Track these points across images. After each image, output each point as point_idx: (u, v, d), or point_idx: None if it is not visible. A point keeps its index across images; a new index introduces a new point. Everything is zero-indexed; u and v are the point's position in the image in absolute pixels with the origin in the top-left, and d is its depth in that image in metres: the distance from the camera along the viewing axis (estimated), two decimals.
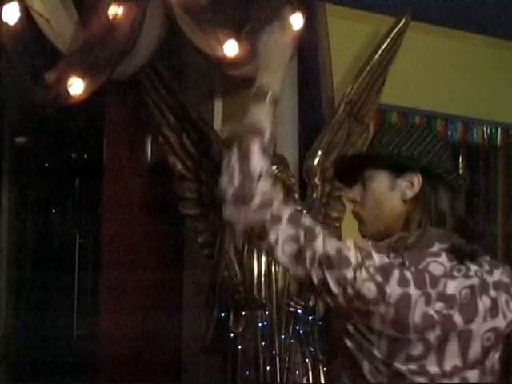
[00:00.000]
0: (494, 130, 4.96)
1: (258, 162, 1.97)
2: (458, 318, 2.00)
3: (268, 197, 1.97)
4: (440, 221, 2.11)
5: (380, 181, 2.13)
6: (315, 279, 1.98)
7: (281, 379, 3.58)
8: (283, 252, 2.00)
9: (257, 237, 2.01)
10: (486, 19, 4.62)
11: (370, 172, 2.13)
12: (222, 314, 3.64)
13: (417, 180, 2.11)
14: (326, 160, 3.96)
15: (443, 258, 2.03)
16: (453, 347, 1.99)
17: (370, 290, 1.94)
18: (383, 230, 2.11)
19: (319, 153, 3.95)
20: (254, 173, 1.95)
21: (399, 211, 2.12)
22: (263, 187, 1.96)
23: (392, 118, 4.59)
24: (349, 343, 2.00)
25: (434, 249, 2.03)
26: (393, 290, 1.95)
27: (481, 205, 4.95)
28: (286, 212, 1.99)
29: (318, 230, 2.02)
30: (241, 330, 3.60)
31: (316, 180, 3.94)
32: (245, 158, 1.96)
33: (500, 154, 4.99)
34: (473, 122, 4.87)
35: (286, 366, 3.59)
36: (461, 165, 4.91)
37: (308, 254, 1.98)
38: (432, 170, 2.10)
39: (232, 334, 3.60)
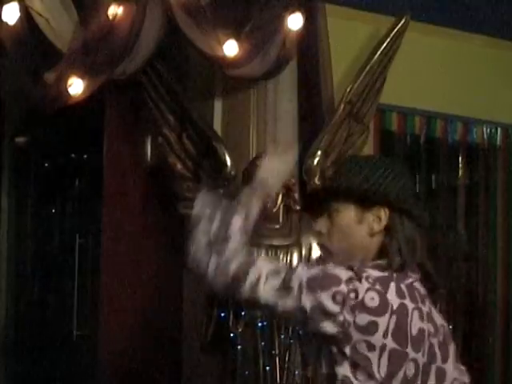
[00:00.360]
0: (493, 130, 4.96)
1: (236, 231, 2.05)
2: (438, 352, 2.06)
3: (239, 252, 2.03)
4: (409, 252, 2.10)
5: (347, 214, 2.12)
6: (308, 306, 1.97)
7: (281, 379, 3.58)
8: (267, 288, 1.99)
9: (235, 285, 2.02)
10: (486, 19, 4.63)
11: (337, 205, 2.12)
12: (222, 314, 3.64)
13: (384, 214, 2.11)
14: (326, 160, 3.96)
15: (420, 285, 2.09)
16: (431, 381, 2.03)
17: (373, 298, 1.96)
18: (348, 261, 2.09)
19: (319, 153, 3.95)
20: (231, 231, 2.04)
21: (365, 244, 2.12)
22: (235, 244, 2.03)
23: (392, 118, 4.59)
24: (342, 370, 1.98)
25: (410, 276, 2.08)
26: (393, 299, 1.97)
27: (481, 205, 4.95)
28: (259, 256, 2.14)
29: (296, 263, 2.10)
30: (241, 330, 3.60)
31: (316, 180, 3.94)
32: (227, 221, 2.05)
33: (500, 153, 4.99)
34: (473, 122, 4.87)
35: (286, 365, 3.59)
36: (461, 165, 4.91)
37: (295, 284, 1.98)
38: (399, 204, 2.10)
39: (232, 334, 3.60)
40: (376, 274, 2.01)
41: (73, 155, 5.10)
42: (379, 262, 2.08)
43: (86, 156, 4.95)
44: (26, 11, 3.38)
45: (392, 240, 2.11)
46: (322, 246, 2.17)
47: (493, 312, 4.91)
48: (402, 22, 4.14)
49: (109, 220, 4.24)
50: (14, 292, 5.32)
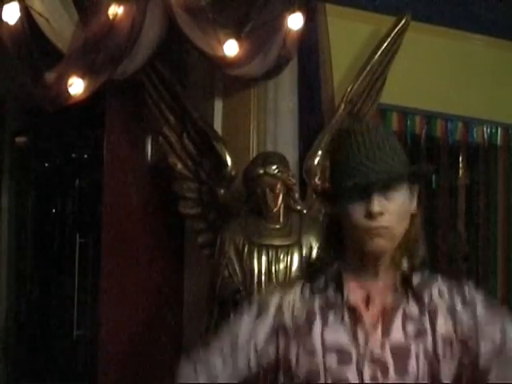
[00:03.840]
0: (494, 130, 4.96)
1: None
2: None
3: None
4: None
5: (403, 192, 2.04)
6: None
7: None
8: None
9: None
10: (486, 19, 4.63)
11: (395, 183, 2.03)
12: (222, 314, 3.64)
13: (416, 191, 2.08)
14: (326, 160, 3.96)
15: None
16: None
17: None
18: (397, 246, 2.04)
19: (319, 153, 3.95)
20: None
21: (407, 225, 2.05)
22: None
23: (392, 118, 4.59)
24: None
25: None
26: None
27: (481, 205, 4.95)
28: None
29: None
30: None
31: (316, 180, 3.94)
32: None
33: (500, 153, 4.99)
34: (473, 121, 4.87)
35: None
36: (461, 165, 4.91)
37: None
38: (422, 181, 2.12)
39: None
40: None
41: (73, 155, 5.10)
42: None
43: (86, 156, 4.95)
44: (26, 11, 3.38)
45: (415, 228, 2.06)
46: (383, 228, 2.01)
47: None
48: (402, 22, 4.14)
49: (109, 220, 4.24)
50: (14, 292, 5.33)
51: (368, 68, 4.10)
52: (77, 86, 3.41)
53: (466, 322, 2.02)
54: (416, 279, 2.05)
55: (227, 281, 3.62)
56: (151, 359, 4.06)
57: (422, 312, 2.03)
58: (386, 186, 2.03)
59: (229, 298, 3.59)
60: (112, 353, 4.11)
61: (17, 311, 5.31)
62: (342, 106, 4.04)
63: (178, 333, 4.13)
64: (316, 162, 3.95)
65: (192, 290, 4.12)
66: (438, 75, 4.57)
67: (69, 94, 3.41)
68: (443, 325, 2.01)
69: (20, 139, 5.33)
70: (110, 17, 3.36)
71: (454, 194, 4.88)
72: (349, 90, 4.06)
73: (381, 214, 2.01)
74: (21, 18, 3.37)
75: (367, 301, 2.01)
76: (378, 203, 2.00)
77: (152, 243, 4.19)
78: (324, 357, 1.98)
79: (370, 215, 2.00)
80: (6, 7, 3.36)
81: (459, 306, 2.04)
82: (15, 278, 5.34)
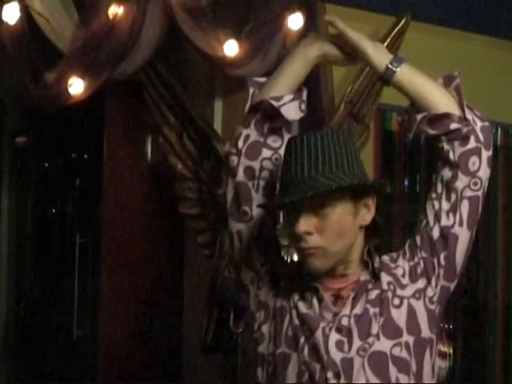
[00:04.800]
0: (494, 130, 4.96)
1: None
2: None
3: None
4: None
5: (343, 208, 1.98)
6: None
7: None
8: None
9: None
10: (486, 19, 4.63)
11: (331, 199, 1.97)
12: (222, 314, 3.64)
13: (372, 203, 2.03)
14: None
15: None
16: None
17: None
18: (346, 262, 2.05)
19: None
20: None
21: (358, 241, 2.05)
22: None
23: (392, 118, 4.58)
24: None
25: None
26: None
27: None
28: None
29: None
30: (241, 330, 3.59)
31: None
32: None
33: (500, 154, 4.99)
34: None
35: None
36: None
37: None
38: (384, 188, 2.10)
39: (232, 334, 3.59)
40: None
41: (73, 155, 5.10)
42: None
43: (86, 156, 4.95)
44: (26, 11, 3.37)
45: (373, 235, 2.07)
46: (313, 248, 2.00)
47: (493, 312, 4.91)
48: (402, 22, 4.14)
49: (109, 220, 4.24)
50: (14, 292, 5.32)
51: (368, 68, 4.09)
52: (77, 86, 3.40)
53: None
54: (376, 262, 2.09)
55: (227, 281, 3.61)
56: (151, 359, 4.06)
57: (382, 290, 2.06)
58: (317, 204, 1.95)
59: (229, 299, 3.59)
60: (112, 353, 4.11)
61: (17, 311, 5.30)
62: (342, 106, 4.04)
63: (178, 333, 4.13)
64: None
65: (192, 290, 4.12)
66: (438, 75, 4.56)
67: (69, 93, 3.41)
68: (403, 291, 2.06)
69: (20, 139, 5.32)
70: (110, 17, 3.36)
71: None
72: (349, 90, 4.06)
73: (309, 233, 1.96)
74: (21, 18, 3.36)
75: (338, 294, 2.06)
76: (305, 223, 1.96)
77: (152, 243, 4.19)
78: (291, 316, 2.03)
79: (297, 236, 1.97)
80: (5, 7, 3.36)
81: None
82: (15, 278, 5.34)
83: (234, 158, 2.19)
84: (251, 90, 2.25)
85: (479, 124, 2.24)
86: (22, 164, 5.31)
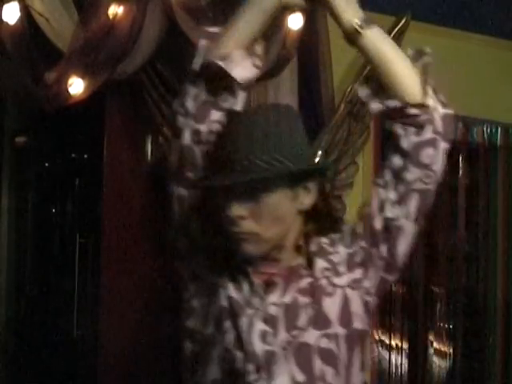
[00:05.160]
0: (494, 130, 4.96)
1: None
2: None
3: None
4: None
5: (280, 192, 1.86)
6: None
7: None
8: None
9: None
10: (486, 19, 4.63)
11: (267, 183, 1.85)
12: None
13: (312, 185, 1.92)
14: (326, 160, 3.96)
15: None
16: None
17: None
18: (282, 247, 1.94)
19: (319, 153, 3.95)
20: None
21: (296, 226, 1.93)
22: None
23: None
24: None
25: None
26: None
27: (481, 205, 4.95)
28: None
29: None
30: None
31: None
32: None
33: (500, 153, 4.99)
34: (473, 121, 4.87)
35: None
36: (461, 165, 4.91)
37: None
38: (326, 171, 2.03)
39: None
40: None
41: (73, 155, 5.10)
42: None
43: (86, 156, 4.95)
44: (26, 11, 3.37)
45: (313, 219, 1.95)
46: (246, 234, 1.90)
47: (493, 312, 4.91)
48: (402, 21, 4.14)
49: (109, 220, 4.24)
50: (14, 292, 5.32)
51: (368, 68, 4.09)
52: (77, 86, 3.40)
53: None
54: (313, 246, 1.99)
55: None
56: (151, 359, 4.05)
57: (316, 278, 1.98)
58: (251, 188, 1.85)
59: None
60: (112, 353, 4.11)
61: (17, 311, 5.30)
62: (342, 106, 4.04)
63: (178, 333, 4.12)
64: (316, 162, 3.94)
65: None
66: (438, 75, 4.56)
67: (69, 93, 3.41)
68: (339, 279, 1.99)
69: (20, 139, 5.33)
70: (110, 17, 3.36)
71: (454, 194, 4.88)
72: (349, 90, 4.06)
73: (242, 218, 1.86)
74: (21, 18, 3.36)
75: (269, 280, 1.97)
76: (238, 207, 1.85)
77: (152, 243, 4.19)
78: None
79: (229, 219, 1.87)
80: (5, 7, 3.36)
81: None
82: (15, 278, 5.34)
83: (180, 119, 2.06)
84: (201, 43, 2.13)
85: (441, 111, 2.08)
86: (22, 164, 5.30)
